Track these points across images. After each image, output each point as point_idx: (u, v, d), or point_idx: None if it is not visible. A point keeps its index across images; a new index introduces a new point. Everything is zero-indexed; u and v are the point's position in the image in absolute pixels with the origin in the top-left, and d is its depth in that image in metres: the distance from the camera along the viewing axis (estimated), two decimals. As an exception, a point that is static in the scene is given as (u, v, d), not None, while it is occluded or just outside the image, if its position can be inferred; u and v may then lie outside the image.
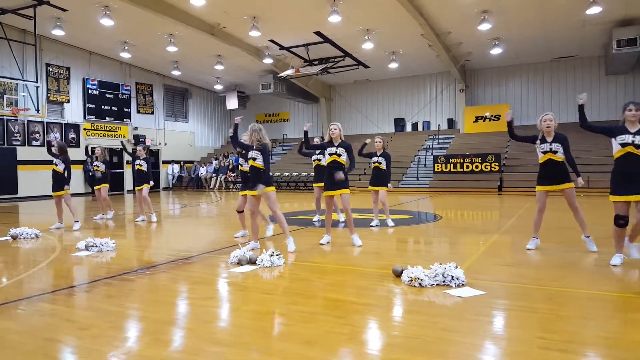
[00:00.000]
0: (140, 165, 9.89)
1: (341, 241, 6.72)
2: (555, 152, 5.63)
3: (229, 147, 26.98)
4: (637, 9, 14.50)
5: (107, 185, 10.53)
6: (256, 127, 6.12)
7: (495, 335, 3.17)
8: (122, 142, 10.49)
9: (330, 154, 6.47)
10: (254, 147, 6.03)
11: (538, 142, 5.73)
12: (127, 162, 22.16)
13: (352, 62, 19.39)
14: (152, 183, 9.92)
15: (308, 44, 17.57)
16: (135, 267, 5.32)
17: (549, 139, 5.67)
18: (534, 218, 5.90)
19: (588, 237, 5.73)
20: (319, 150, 8.35)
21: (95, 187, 10.63)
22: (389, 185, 8.33)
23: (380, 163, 8.29)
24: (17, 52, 16.89)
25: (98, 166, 10.50)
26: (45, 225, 8.83)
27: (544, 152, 5.69)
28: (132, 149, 10.16)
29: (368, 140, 8.51)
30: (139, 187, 9.90)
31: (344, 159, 6.45)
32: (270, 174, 6.11)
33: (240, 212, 7.48)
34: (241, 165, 7.30)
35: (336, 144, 6.47)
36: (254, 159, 5.96)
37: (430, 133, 22.34)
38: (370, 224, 8.30)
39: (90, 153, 10.57)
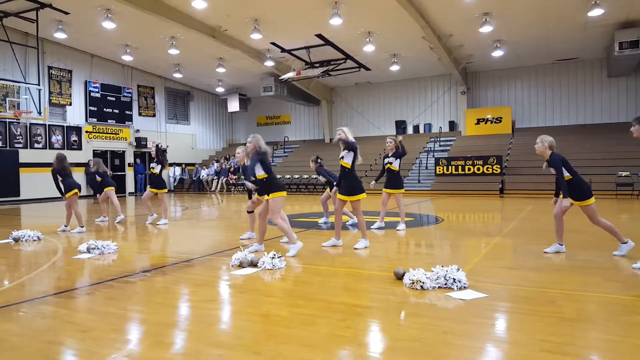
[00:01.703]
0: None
1: (342, 244, 6.70)
2: (554, 174, 5.56)
3: (230, 149, 27.03)
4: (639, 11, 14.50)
5: (113, 188, 10.54)
6: (257, 136, 5.99)
7: (497, 338, 3.16)
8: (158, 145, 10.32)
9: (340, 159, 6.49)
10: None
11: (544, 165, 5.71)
12: (129, 165, 22.21)
13: (354, 65, 19.41)
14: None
15: (309, 47, 17.60)
16: (136, 270, 5.32)
17: (548, 163, 5.62)
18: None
19: (623, 244, 5.52)
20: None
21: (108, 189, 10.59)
22: (400, 136, 8.41)
23: (391, 163, 8.21)
24: (19, 55, 16.95)
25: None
26: (47, 228, 8.83)
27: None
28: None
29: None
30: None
31: (347, 161, 6.38)
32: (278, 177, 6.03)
33: (250, 212, 7.35)
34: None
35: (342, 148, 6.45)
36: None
37: (432, 135, 22.33)
38: (372, 227, 8.20)
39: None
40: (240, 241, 7.11)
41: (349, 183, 6.37)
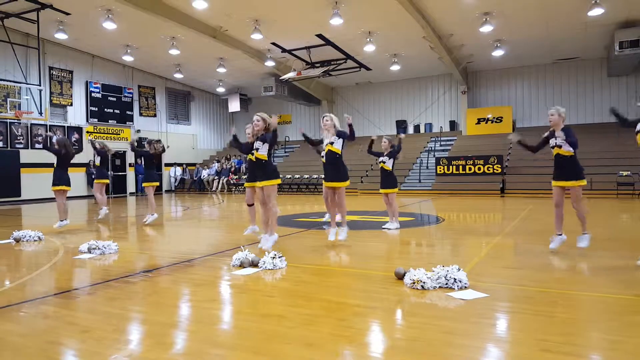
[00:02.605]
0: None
1: (343, 243, 6.71)
2: (560, 146, 5.60)
3: (231, 149, 27.04)
4: (640, 10, 14.49)
5: (105, 182, 10.53)
6: (265, 115, 5.97)
7: (498, 338, 3.16)
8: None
9: (326, 144, 6.59)
10: (257, 138, 5.90)
11: (548, 134, 5.76)
12: (130, 165, 22.22)
13: (354, 65, 19.40)
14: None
15: (310, 47, 17.60)
16: (137, 270, 5.32)
17: (557, 134, 5.64)
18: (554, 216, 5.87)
19: (585, 234, 5.67)
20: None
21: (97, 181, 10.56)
22: (402, 135, 8.52)
23: (384, 162, 8.32)
24: (20, 56, 16.96)
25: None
26: (48, 228, 8.82)
27: (552, 147, 5.73)
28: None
29: (374, 137, 8.61)
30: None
31: (337, 147, 6.49)
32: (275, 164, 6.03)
33: (250, 205, 7.27)
34: (251, 155, 6.56)
35: (330, 134, 6.57)
36: (257, 150, 5.90)
37: (433, 135, 22.32)
38: (383, 227, 8.25)
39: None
40: (244, 235, 7.15)
41: (337, 169, 6.40)
